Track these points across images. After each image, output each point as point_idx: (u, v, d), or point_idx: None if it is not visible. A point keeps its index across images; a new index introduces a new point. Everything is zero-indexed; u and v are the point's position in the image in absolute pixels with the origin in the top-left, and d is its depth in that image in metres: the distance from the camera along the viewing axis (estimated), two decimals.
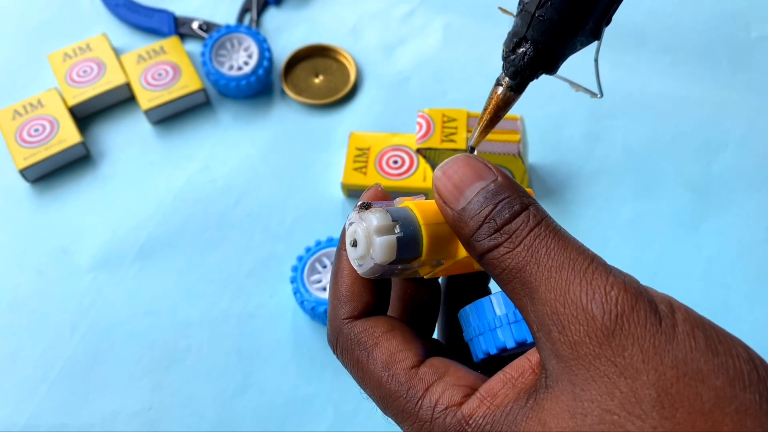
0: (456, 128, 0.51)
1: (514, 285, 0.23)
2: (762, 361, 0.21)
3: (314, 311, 0.47)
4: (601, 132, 0.57)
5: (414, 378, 0.24)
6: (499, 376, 0.23)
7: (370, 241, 0.24)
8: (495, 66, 0.29)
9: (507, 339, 0.25)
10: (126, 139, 0.58)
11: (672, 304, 0.21)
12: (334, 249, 0.49)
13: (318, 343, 0.48)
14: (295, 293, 0.48)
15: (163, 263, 0.52)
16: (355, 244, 0.24)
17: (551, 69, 0.28)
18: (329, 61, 0.62)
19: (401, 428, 0.25)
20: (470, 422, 0.22)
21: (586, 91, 0.32)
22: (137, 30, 0.65)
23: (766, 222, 0.52)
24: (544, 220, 0.23)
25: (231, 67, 0.60)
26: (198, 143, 0.58)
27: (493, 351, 0.26)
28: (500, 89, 0.28)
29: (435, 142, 0.51)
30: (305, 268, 0.49)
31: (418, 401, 0.24)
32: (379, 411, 0.26)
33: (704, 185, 0.54)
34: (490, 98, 0.28)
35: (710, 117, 0.57)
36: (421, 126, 0.51)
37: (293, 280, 0.48)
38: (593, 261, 0.22)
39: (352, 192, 0.54)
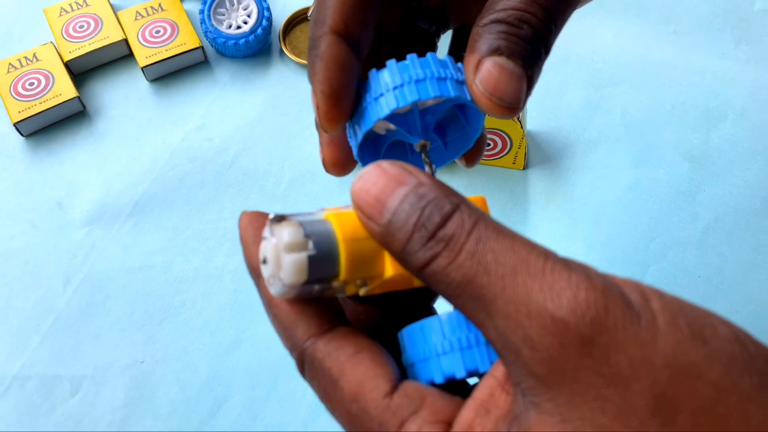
0: None
1: (464, 300, 0.20)
2: (746, 336, 0.19)
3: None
4: (600, 100, 0.57)
5: (387, 411, 0.21)
6: (470, 404, 0.21)
7: (279, 258, 0.21)
8: None
9: (456, 368, 0.22)
10: (122, 96, 0.58)
11: (644, 293, 0.19)
12: None
13: None
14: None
15: (158, 219, 0.52)
16: (265, 261, 0.21)
17: None
18: None
19: None
20: None
21: None
22: None
23: (763, 193, 0.52)
24: (480, 220, 0.20)
25: (229, 26, 0.59)
26: (195, 101, 0.58)
27: (439, 380, 0.22)
28: None
29: None
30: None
31: None
32: None
33: (703, 155, 0.54)
34: None
35: (711, 87, 0.57)
36: None
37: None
38: (548, 258, 0.19)
39: None
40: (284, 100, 0.58)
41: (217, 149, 0.55)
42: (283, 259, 0.20)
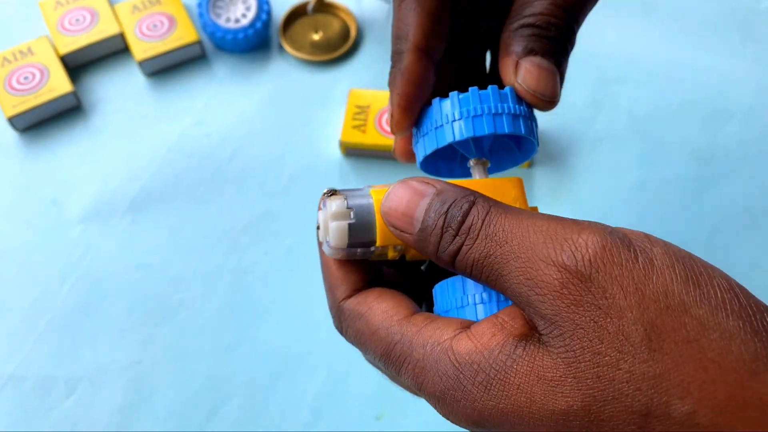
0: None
1: (487, 275, 0.23)
2: (743, 289, 0.21)
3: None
4: (606, 98, 0.56)
5: (407, 325, 0.25)
6: (491, 318, 0.24)
7: (327, 225, 0.25)
8: None
9: (472, 319, 0.25)
10: (119, 91, 0.57)
11: (650, 239, 0.22)
12: None
13: (311, 302, 0.47)
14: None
15: (155, 217, 0.51)
16: (318, 227, 0.27)
17: None
18: (329, 17, 0.61)
19: (403, 382, 0.25)
20: (458, 359, 0.23)
21: None
22: None
23: None
24: (492, 207, 0.24)
25: (228, 20, 0.58)
26: (192, 96, 0.56)
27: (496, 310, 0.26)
28: None
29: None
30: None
31: (410, 342, 0.24)
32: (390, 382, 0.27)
33: (710, 154, 0.53)
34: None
35: (718, 86, 0.56)
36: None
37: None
38: (552, 219, 0.22)
39: (350, 150, 0.53)
40: (284, 96, 0.57)
41: (215, 145, 0.54)
42: (330, 225, 0.25)
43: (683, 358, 0.19)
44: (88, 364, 0.45)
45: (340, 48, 0.59)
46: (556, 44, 0.29)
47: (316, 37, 0.60)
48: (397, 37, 0.30)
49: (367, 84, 0.57)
